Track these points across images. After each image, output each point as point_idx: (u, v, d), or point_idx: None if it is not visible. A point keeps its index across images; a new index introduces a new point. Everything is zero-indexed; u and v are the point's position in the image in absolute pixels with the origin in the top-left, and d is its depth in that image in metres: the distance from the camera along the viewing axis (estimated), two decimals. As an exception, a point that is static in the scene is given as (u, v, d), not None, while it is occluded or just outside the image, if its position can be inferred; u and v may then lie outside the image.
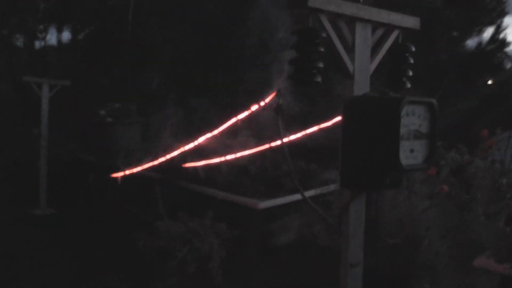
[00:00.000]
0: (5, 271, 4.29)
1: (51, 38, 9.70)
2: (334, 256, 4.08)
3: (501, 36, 7.33)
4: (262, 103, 2.22)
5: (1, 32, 8.78)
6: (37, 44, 9.50)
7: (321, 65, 1.91)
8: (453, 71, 7.12)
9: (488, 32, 7.53)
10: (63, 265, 4.51)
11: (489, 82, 8.09)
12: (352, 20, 2.02)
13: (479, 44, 7.51)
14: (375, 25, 2.12)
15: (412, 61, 2.26)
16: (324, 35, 1.91)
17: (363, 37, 2.06)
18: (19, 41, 9.43)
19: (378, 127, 1.85)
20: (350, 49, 2.03)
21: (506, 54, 7.94)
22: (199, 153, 4.76)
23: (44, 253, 4.80)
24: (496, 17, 7.40)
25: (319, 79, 1.91)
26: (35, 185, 6.30)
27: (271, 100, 2.14)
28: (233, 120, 2.68)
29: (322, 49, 1.91)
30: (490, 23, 7.45)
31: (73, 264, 4.54)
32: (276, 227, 4.41)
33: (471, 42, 7.64)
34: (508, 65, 8.68)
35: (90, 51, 9.35)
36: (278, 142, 3.19)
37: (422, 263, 3.61)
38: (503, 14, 7.36)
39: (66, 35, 9.99)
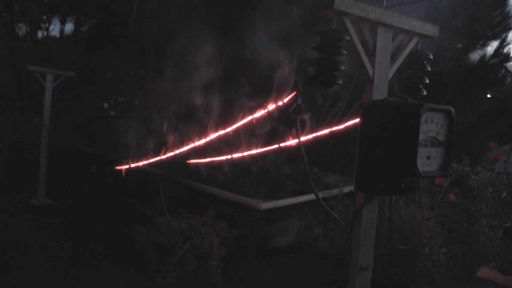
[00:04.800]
0: (-1, 259, 4.28)
1: (53, 29, 9.67)
2: (333, 260, 4.12)
3: (505, 50, 7.41)
4: (280, 103, 2.22)
5: (4, 19, 8.72)
6: (39, 34, 9.45)
7: (342, 67, 1.92)
8: (455, 83, 7.17)
9: (492, 46, 7.60)
10: (58, 255, 4.49)
11: (488, 95, 8.14)
12: (374, 25, 2.03)
13: (483, 57, 7.55)
14: (396, 31, 2.13)
15: (429, 68, 2.28)
16: (347, 38, 1.92)
17: (384, 42, 2.07)
18: (21, 30, 9.38)
19: (397, 132, 1.86)
20: (371, 53, 2.04)
21: (506, 68, 8.01)
22: (202, 150, 4.75)
23: (40, 243, 4.77)
24: (500, 32, 7.46)
25: (340, 81, 1.92)
26: (34, 174, 6.27)
27: (289, 100, 2.14)
28: (249, 118, 2.68)
29: (345, 52, 1.92)
30: (494, 37, 7.51)
31: (69, 255, 4.51)
32: (276, 228, 4.42)
33: (474, 55, 7.69)
34: (509, 80, 8.76)
35: (93, 43, 9.33)
36: (290, 143, 3.22)
37: (421, 271, 3.62)
38: (508, 28, 7.43)
39: (68, 27, 9.96)
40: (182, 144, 4.56)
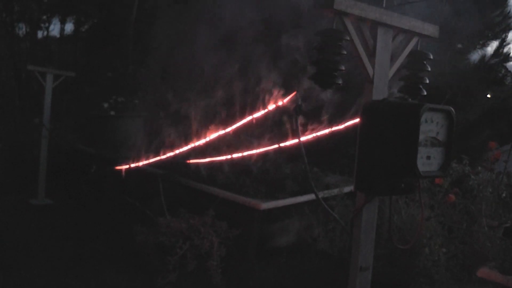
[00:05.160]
0: (-1, 259, 4.28)
1: (53, 29, 9.67)
2: (333, 260, 4.12)
3: (505, 50, 7.41)
4: (280, 103, 2.22)
5: (4, 19, 8.72)
6: (39, 34, 9.46)
7: (342, 67, 1.92)
8: (455, 83, 7.16)
9: (492, 46, 7.59)
10: (58, 255, 4.49)
11: (488, 95, 8.14)
12: (374, 25, 2.03)
13: (483, 57, 7.55)
14: (396, 31, 2.13)
15: (429, 68, 2.28)
16: (347, 38, 1.92)
17: (384, 42, 2.07)
18: (21, 30, 9.38)
19: (397, 132, 1.86)
20: (371, 53, 2.04)
21: (506, 68, 8.01)
22: (201, 150, 4.75)
23: (39, 243, 4.77)
24: (500, 32, 7.46)
25: (340, 81, 1.92)
26: (34, 174, 6.27)
27: (289, 101, 2.14)
28: (248, 118, 2.67)
29: (345, 52, 1.92)
30: (494, 37, 7.51)
31: (69, 255, 4.51)
32: (276, 228, 4.41)
33: (474, 55, 7.69)
34: (509, 80, 8.76)
35: (93, 43, 9.32)
36: (290, 142, 3.22)
37: (421, 271, 3.62)
38: (508, 28, 7.42)
39: (68, 27, 9.97)
40: (184, 141, 4.56)
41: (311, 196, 4.43)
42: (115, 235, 4.91)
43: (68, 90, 7.62)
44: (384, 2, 2.07)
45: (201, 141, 3.95)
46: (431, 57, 2.26)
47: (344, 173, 5.63)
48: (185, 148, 4.52)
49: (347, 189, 4.49)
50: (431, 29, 2.26)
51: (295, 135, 1.97)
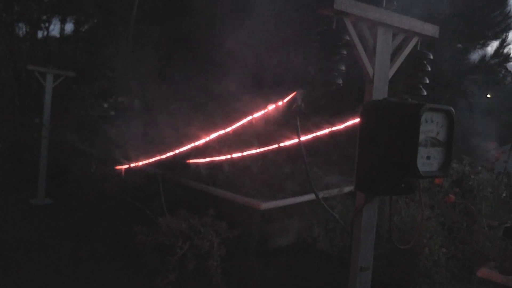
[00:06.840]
0: None
1: (53, 29, 9.67)
2: (333, 260, 4.12)
3: (505, 50, 7.40)
4: (280, 103, 2.22)
5: (4, 19, 8.72)
6: (39, 34, 9.45)
7: (342, 67, 1.91)
8: (455, 83, 7.16)
9: (492, 46, 7.58)
10: (59, 255, 4.49)
11: (488, 95, 8.14)
12: (374, 25, 2.03)
13: (483, 57, 7.54)
14: (396, 31, 2.13)
15: (429, 68, 2.27)
16: (347, 37, 1.92)
17: (384, 42, 2.07)
18: (21, 30, 9.37)
19: (397, 132, 1.86)
20: (371, 53, 2.04)
21: (506, 68, 8.00)
22: (202, 150, 4.75)
23: (40, 243, 4.78)
24: (500, 32, 7.45)
25: (340, 81, 1.92)
26: (34, 174, 6.27)
27: (289, 100, 2.14)
28: (248, 118, 2.67)
29: (345, 52, 1.92)
30: (494, 37, 7.50)
31: (70, 255, 4.52)
32: (276, 228, 4.41)
33: (474, 55, 7.68)
34: (509, 80, 8.75)
35: (93, 43, 9.32)
36: (290, 143, 3.22)
37: (421, 271, 3.62)
38: (508, 29, 7.42)
39: (68, 27, 9.96)
40: (184, 144, 4.54)
41: (311, 196, 4.43)
42: (115, 235, 4.91)
43: (68, 90, 7.62)
44: (384, 2, 2.07)
45: (201, 141, 3.93)
46: (431, 57, 2.26)
47: (344, 173, 5.62)
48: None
49: (347, 189, 4.49)
50: (431, 29, 2.25)
51: (295, 135, 1.96)
